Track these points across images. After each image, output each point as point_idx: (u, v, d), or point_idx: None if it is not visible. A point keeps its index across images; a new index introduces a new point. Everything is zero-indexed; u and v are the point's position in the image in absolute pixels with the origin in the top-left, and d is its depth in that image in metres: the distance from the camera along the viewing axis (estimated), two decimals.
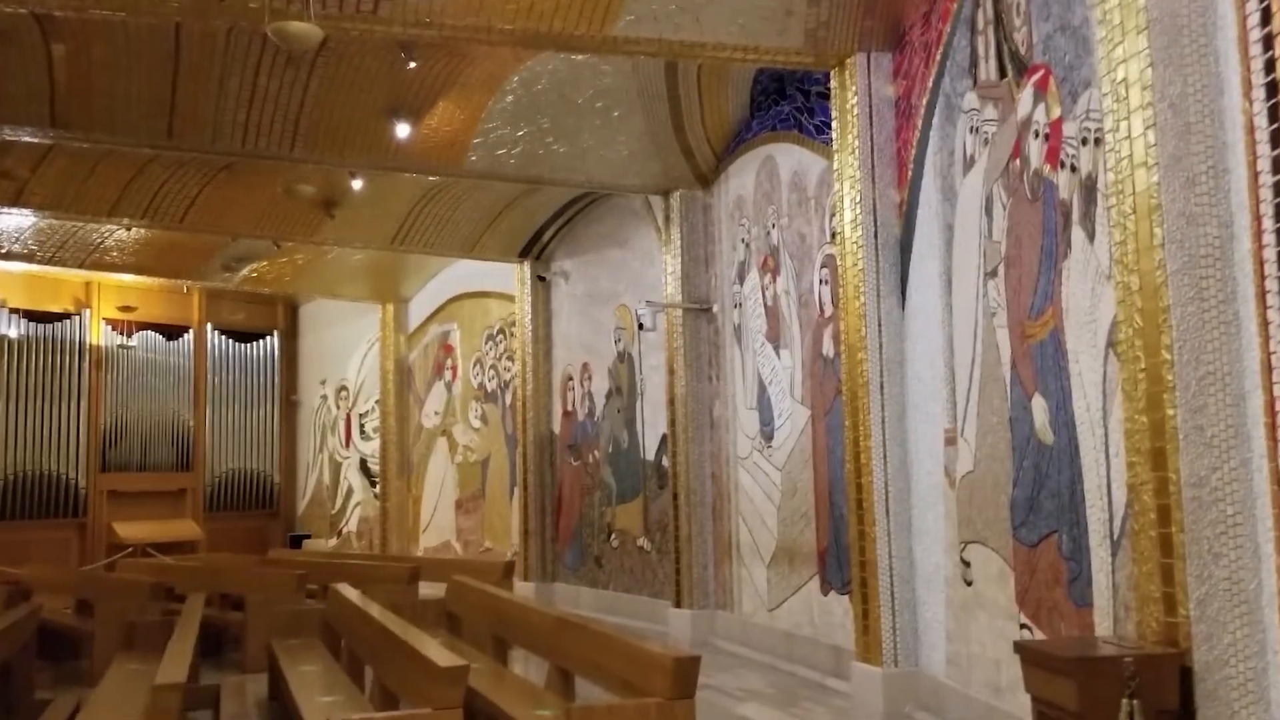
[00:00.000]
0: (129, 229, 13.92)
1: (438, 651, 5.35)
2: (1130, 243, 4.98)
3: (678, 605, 11.89)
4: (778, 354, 10.40)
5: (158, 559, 16.76)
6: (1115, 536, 5.57)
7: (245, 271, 16.51)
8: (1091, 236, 5.76)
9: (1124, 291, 5.05)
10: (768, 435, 10.55)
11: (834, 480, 9.28)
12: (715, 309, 11.87)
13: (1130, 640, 5.08)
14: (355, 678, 7.63)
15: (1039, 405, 6.31)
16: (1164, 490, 4.77)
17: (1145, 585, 4.90)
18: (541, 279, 15.39)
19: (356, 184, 12.12)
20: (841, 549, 9.10)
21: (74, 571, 13.03)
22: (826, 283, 9.55)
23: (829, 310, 9.48)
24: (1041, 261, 6.32)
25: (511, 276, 15.82)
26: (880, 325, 8.33)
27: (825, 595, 9.44)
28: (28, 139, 9.55)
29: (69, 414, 17.32)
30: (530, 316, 15.45)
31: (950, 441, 7.53)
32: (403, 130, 10.16)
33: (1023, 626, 6.52)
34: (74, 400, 17.39)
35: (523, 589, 15.04)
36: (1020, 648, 5.05)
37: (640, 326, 12.28)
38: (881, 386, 8.28)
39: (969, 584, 7.23)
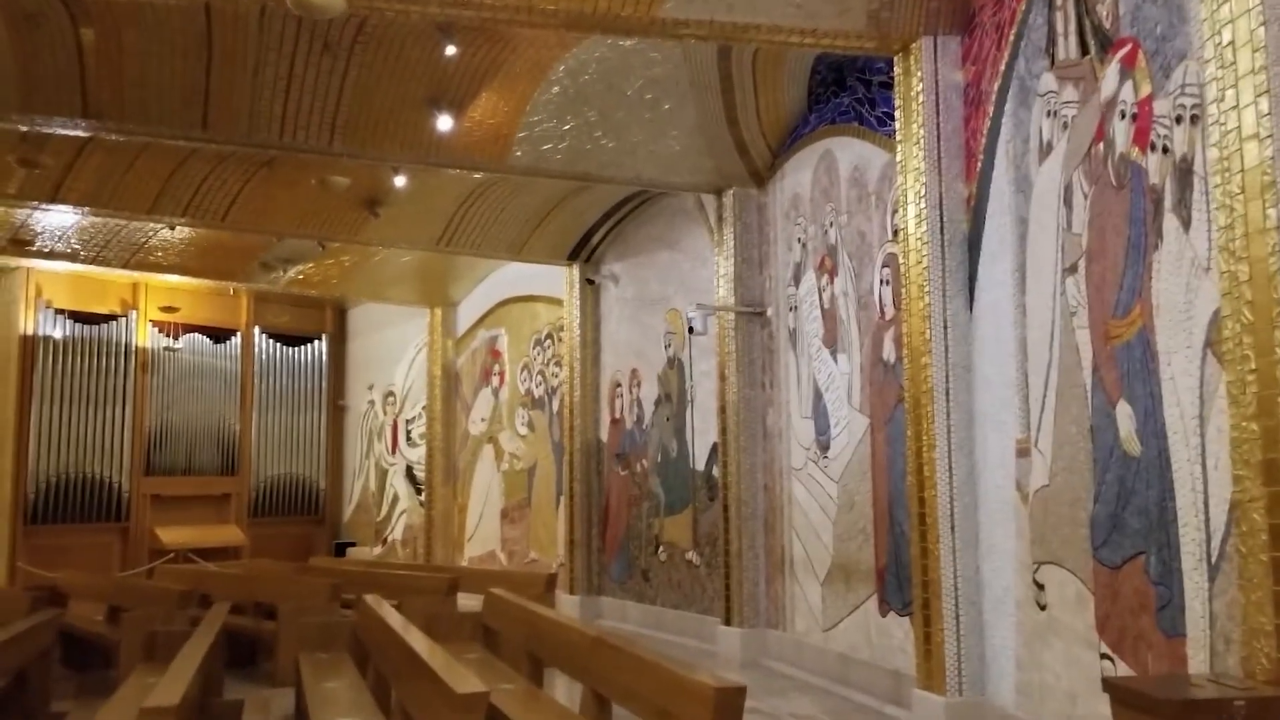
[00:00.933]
0: (173, 228, 13.69)
1: (457, 674, 4.88)
2: (1238, 227, 4.40)
3: (727, 623, 11.34)
4: (835, 359, 9.85)
5: (199, 565, 16.56)
6: (1213, 559, 4.97)
7: (291, 273, 16.25)
8: (1187, 224, 5.17)
9: (1230, 283, 4.47)
10: (824, 445, 9.99)
11: (894, 493, 8.70)
12: (769, 312, 11.33)
13: (1234, 679, 4.48)
14: (381, 697, 7.18)
15: (1124, 413, 5.72)
16: (1277, 508, 4.18)
17: (1254, 616, 4.31)
18: (590, 282, 14.95)
19: (399, 181, 11.75)
20: (902, 567, 8.52)
21: (106, 577, 12.77)
22: (888, 283, 8.98)
23: (890, 312, 8.92)
24: (1128, 255, 5.74)
25: (560, 280, 15.39)
26: (946, 327, 7.75)
27: (884, 616, 8.86)
28: (61, 130, 9.25)
29: (114, 417, 17.15)
30: (578, 321, 15.01)
31: (1023, 453, 6.94)
32: (444, 123, 9.75)
33: (1104, 656, 5.92)
34: (119, 403, 17.22)
35: (568, 603, 14.60)
36: (1111, 686, 4.47)
37: (690, 330, 11.76)
38: (947, 393, 7.70)
39: (1042, 608, 6.63)
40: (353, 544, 19.89)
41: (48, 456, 16.36)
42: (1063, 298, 6.40)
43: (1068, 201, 6.35)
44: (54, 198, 11.19)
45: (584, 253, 14.78)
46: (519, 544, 16.49)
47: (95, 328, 17.12)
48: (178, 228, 13.93)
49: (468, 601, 11.72)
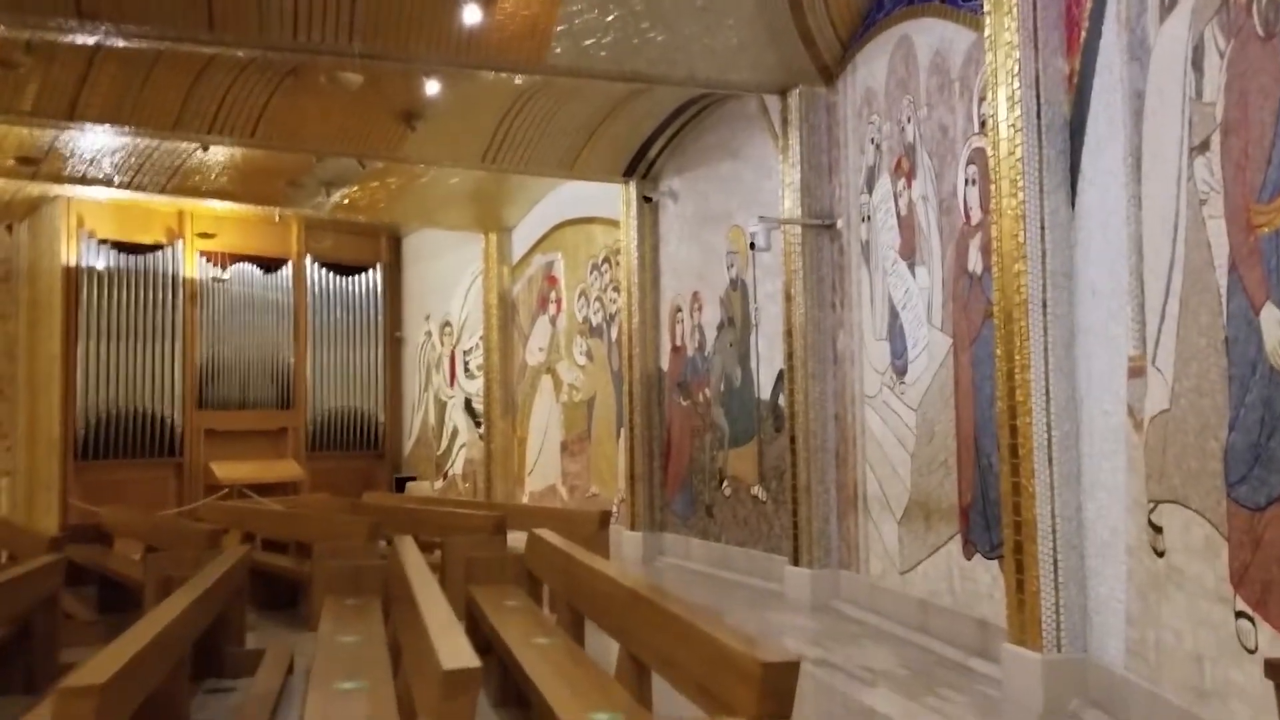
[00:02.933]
0: (205, 148, 12.96)
1: (453, 645, 4.04)
2: None
3: (795, 563, 10.46)
4: (913, 273, 8.79)
5: (253, 501, 16.10)
6: None
7: (336, 197, 15.49)
8: None
9: None
10: (900, 370, 8.97)
11: (981, 422, 7.68)
12: (839, 224, 10.27)
13: None
14: (398, 655, 6.43)
15: (1272, 319, 4.64)
16: None
17: None
18: (647, 200, 13.96)
19: (432, 89, 10.82)
20: (990, 505, 7.52)
21: (145, 515, 12.27)
22: (974, 182, 7.88)
23: (976, 216, 7.83)
24: (1278, 124, 4.62)
25: (616, 199, 14.42)
26: (1044, 228, 6.67)
27: (969, 559, 7.88)
28: (57, 35, 8.45)
29: (163, 350, 16.64)
30: (635, 243, 14.05)
31: (1136, 372, 5.87)
32: (473, 14, 8.78)
33: (1240, 615, 4.90)
34: (168, 336, 16.69)
35: (629, 540, 13.84)
36: (1274, 669, 3.48)
37: (752, 247, 10.74)
38: (1044, 305, 6.64)
39: (1160, 554, 5.61)
40: (413, 478, 19.35)
41: (96, 391, 15.92)
42: (1190, 183, 5.28)
43: (1197, 65, 5.21)
44: (71, 114, 10.47)
45: (640, 168, 13.77)
46: (580, 478, 15.75)
47: (140, 258, 16.57)
48: (212, 149, 13.22)
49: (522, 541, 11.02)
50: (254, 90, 10.84)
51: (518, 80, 11.06)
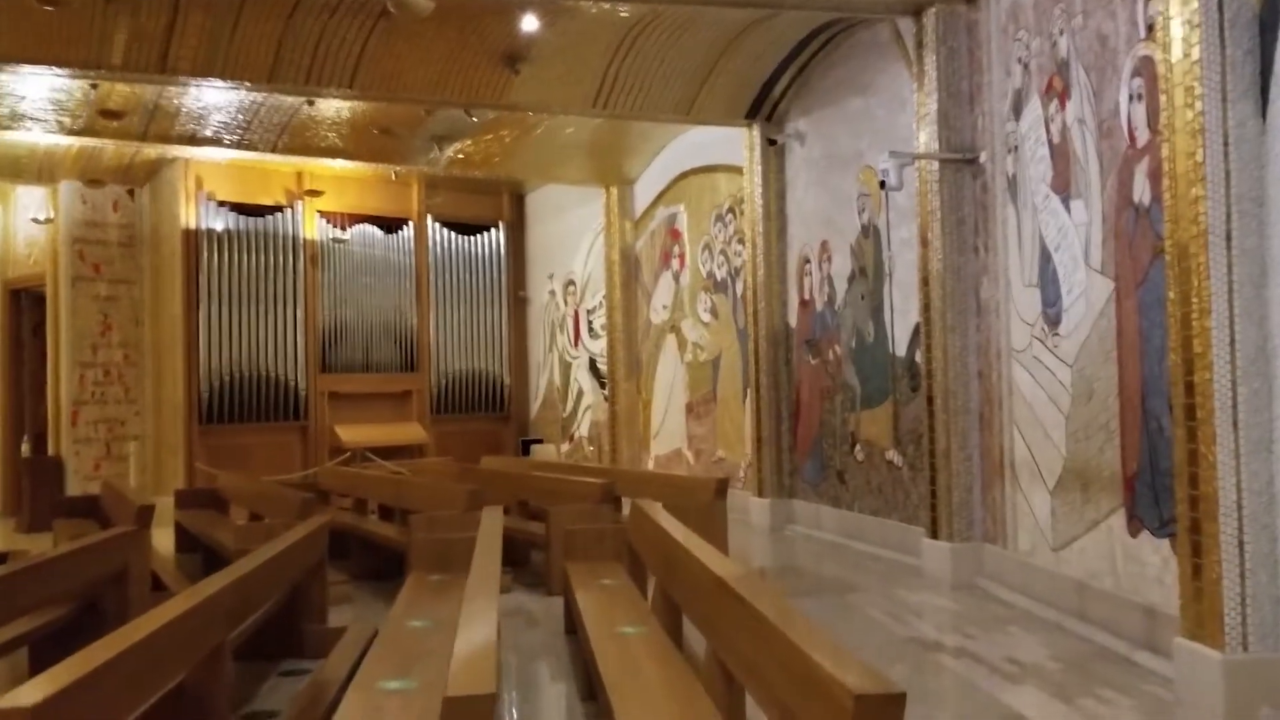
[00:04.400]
0: (311, 102, 12.54)
1: (471, 659, 3.30)
2: None
3: (934, 536, 9.47)
4: (1067, 208, 7.66)
5: (373, 465, 15.83)
6: None
7: (449, 152, 14.94)
8: None
9: None
10: (1053, 320, 7.87)
11: (1149, 378, 6.58)
12: (982, 158, 9.16)
13: None
14: None
15: None
16: None
17: None
18: (772, 143, 12.97)
19: (530, 23, 10.07)
20: (1160, 476, 6.44)
21: (253, 480, 11.99)
22: (1139, 98, 6.72)
23: (1143, 137, 6.67)
24: None
25: (740, 145, 13.48)
26: (1227, 145, 5.54)
27: (1134, 537, 6.80)
28: None
29: (285, 313, 16.41)
30: (760, 190, 13.09)
31: None
32: None
33: None
34: (289, 298, 16.46)
35: (756, 507, 13.01)
36: None
37: (882, 186, 9.71)
38: (1228, 236, 5.52)
39: None
40: (539, 441, 18.86)
41: (219, 355, 15.80)
42: None
43: None
44: (163, 68, 10.07)
45: (764, 109, 12.79)
46: (705, 442, 14.96)
47: (260, 220, 16.34)
48: (319, 104, 12.80)
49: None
50: (347, 36, 10.27)
51: (624, 13, 10.23)
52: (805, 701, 3.03)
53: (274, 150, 14.13)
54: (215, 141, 13.67)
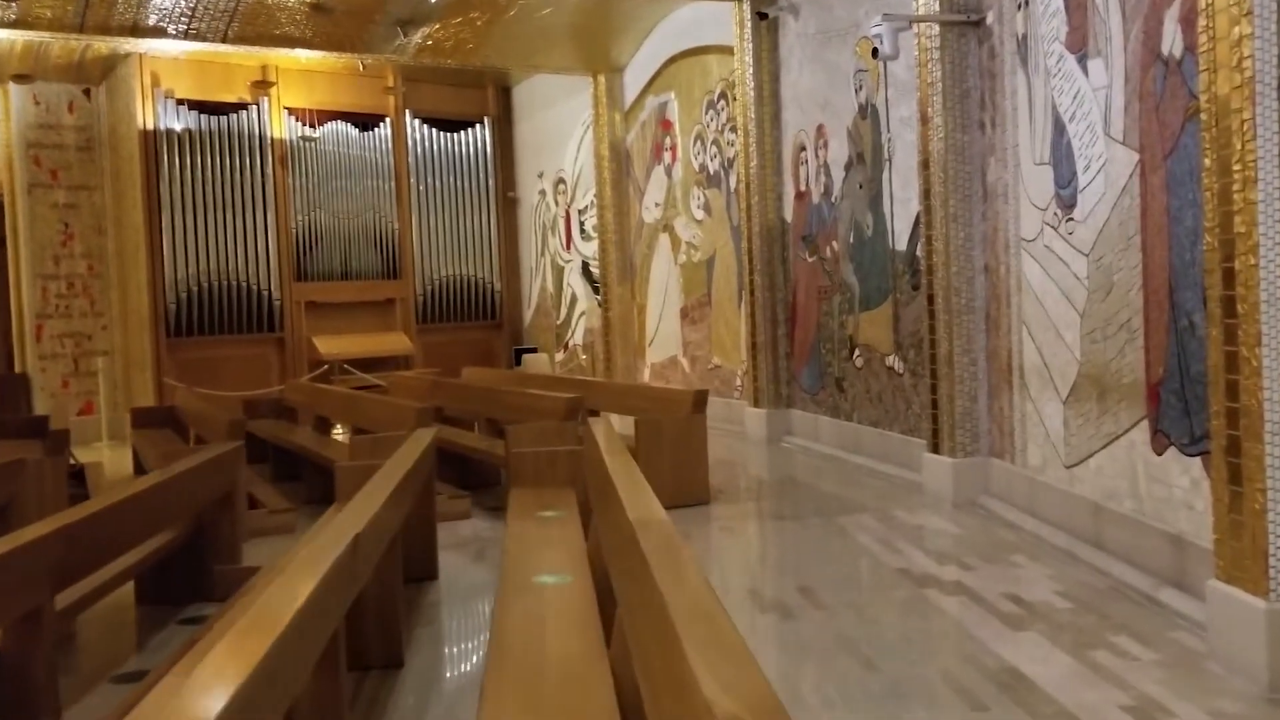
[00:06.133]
0: None
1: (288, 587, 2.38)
2: None
3: (935, 450, 8.51)
4: (1084, 69, 6.51)
5: (352, 377, 14.99)
6: None
7: (417, 39, 13.75)
8: None
9: None
10: (1067, 202, 6.78)
11: (1179, 267, 5.51)
12: (989, 19, 7.97)
13: None
14: None
15: None
16: None
17: None
18: (763, 16, 11.74)
19: None
20: (1191, 383, 5.41)
21: (200, 397, 11.17)
22: None
23: None
24: None
25: (731, 22, 12.25)
26: None
27: (1159, 454, 5.80)
28: None
29: (254, 218, 15.40)
30: (752, 71, 11.90)
31: None
32: None
33: None
34: (258, 202, 15.45)
35: (753, 418, 12.10)
36: None
37: (875, 54, 8.53)
38: None
39: None
40: (533, 350, 17.94)
41: (185, 264, 14.86)
42: None
43: None
44: None
45: None
46: (701, 348, 13.98)
47: (223, 119, 15.25)
48: None
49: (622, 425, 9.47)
50: None
51: None
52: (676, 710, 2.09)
53: (224, 40, 13.00)
54: (159, 32, 12.54)
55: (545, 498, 6.58)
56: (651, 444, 8.55)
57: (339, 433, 11.27)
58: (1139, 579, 5.79)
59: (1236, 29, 4.48)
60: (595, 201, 16.12)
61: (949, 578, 6.28)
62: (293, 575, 3.36)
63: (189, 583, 6.38)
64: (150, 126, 14.65)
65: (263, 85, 15.25)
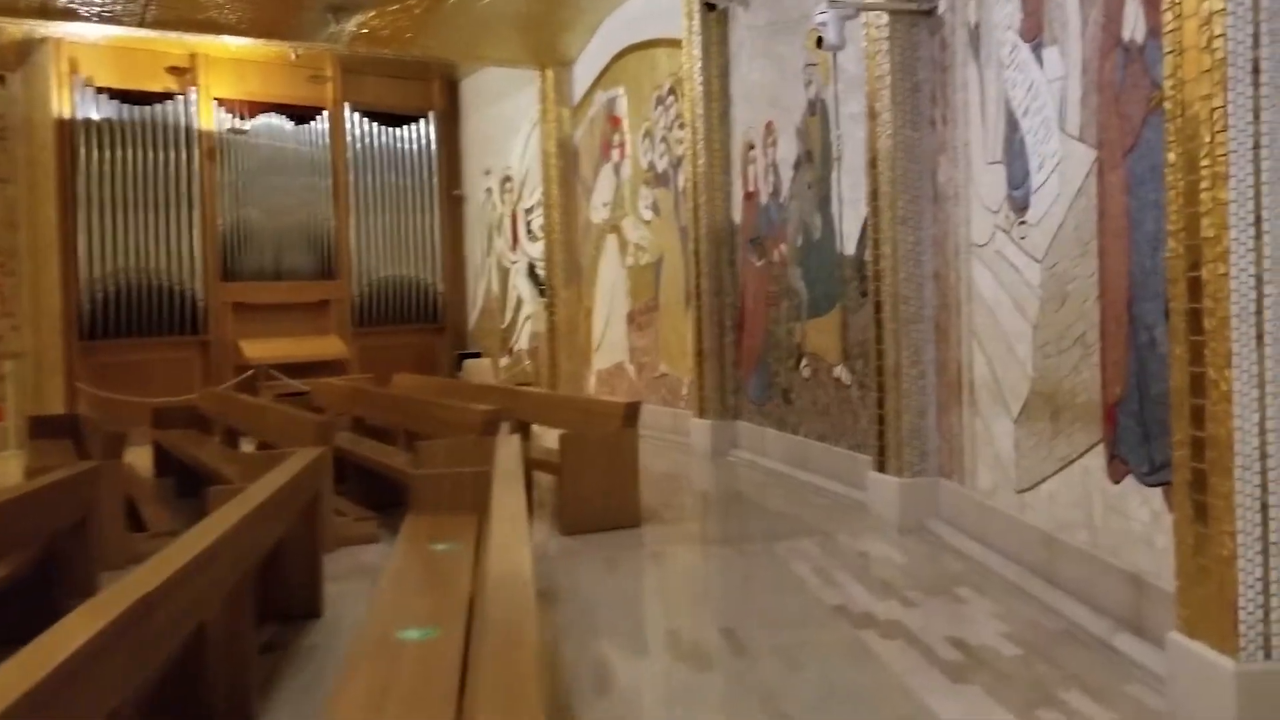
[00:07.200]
0: None
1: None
2: None
3: (880, 468, 7.93)
4: (1039, 59, 5.95)
5: (281, 382, 14.28)
6: None
7: (351, 26, 13.08)
8: None
9: None
10: (1019, 204, 6.21)
11: (1138, 276, 4.94)
12: (941, 7, 7.42)
13: None
14: None
15: None
16: None
17: None
18: (711, 7, 11.16)
19: None
20: (1152, 404, 4.85)
21: (100, 404, 10.46)
22: None
23: None
24: None
25: (679, 13, 11.66)
26: None
27: (1117, 483, 5.23)
28: None
29: (179, 215, 14.66)
30: (700, 65, 11.32)
31: None
32: None
33: None
34: (184, 198, 14.70)
35: (698, 430, 11.50)
36: None
37: (820, 44, 7.96)
38: (1255, 69, 3.85)
39: None
40: (477, 355, 17.26)
41: (102, 262, 14.11)
42: None
43: None
44: None
45: None
46: (648, 355, 13.37)
47: (147, 109, 14.50)
48: None
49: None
50: None
51: None
52: None
53: (143, 24, 12.30)
54: (70, 14, 11.81)
55: (444, 527, 5.93)
56: (577, 462, 7.93)
57: (248, 446, 10.57)
58: (1093, 621, 5.22)
59: (1206, 4, 3.92)
60: (542, 200, 15.49)
61: (888, 616, 5.69)
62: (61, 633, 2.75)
63: (32, 622, 5.67)
64: (67, 115, 13.88)
65: (180, 72, 14.48)
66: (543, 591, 6.51)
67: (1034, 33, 5.99)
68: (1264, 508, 3.82)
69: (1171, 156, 4.16)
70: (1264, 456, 3.82)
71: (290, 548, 6.27)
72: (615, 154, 14.03)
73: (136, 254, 14.31)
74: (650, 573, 7.29)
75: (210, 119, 14.94)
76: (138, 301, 14.33)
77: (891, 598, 6.03)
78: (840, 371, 9.18)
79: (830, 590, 6.25)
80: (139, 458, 10.69)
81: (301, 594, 6.20)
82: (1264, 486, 3.81)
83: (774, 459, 10.37)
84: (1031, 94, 6.04)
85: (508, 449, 6.03)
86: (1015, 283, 6.27)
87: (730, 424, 11.32)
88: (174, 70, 14.47)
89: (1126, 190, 5.02)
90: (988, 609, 5.75)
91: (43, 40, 13.65)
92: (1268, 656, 3.81)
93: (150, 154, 14.45)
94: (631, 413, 8.20)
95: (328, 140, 16.06)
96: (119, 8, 11.83)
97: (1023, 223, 6.14)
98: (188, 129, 14.73)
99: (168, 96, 14.61)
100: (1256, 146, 3.81)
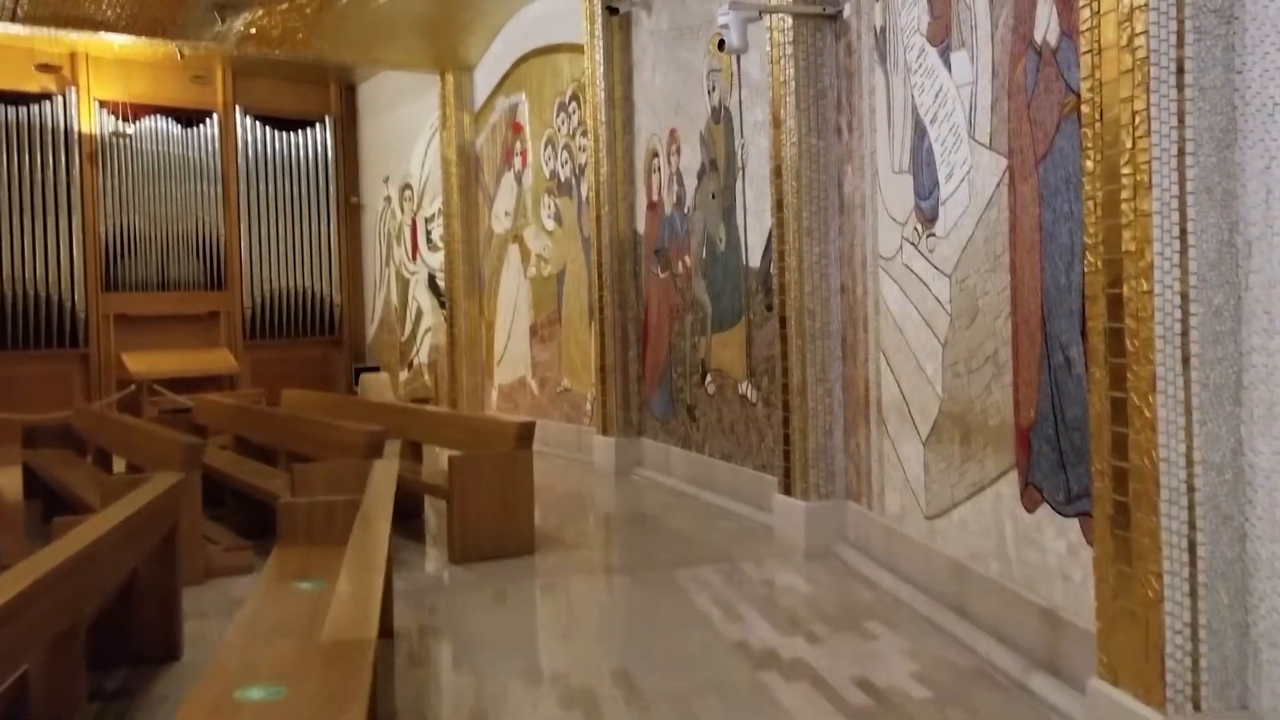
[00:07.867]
0: None
1: None
2: None
3: (786, 490, 7.58)
4: (947, 64, 5.66)
5: (165, 398, 13.53)
6: None
7: (239, 25, 12.44)
8: None
9: None
10: (928, 215, 5.91)
11: (1052, 292, 4.65)
12: (846, 11, 7.12)
13: None
14: None
15: None
16: None
17: None
18: (613, 11, 10.78)
19: None
20: (1068, 430, 4.55)
21: None
22: None
23: None
24: None
25: (581, 17, 11.27)
26: None
27: (1031, 511, 4.93)
28: None
29: (56, 221, 13.86)
30: (603, 71, 10.93)
31: None
32: None
33: None
34: (62, 204, 13.90)
35: (601, 448, 11.08)
36: None
37: (721, 47, 7.61)
38: (1179, 69, 3.55)
39: None
40: (375, 368, 16.64)
41: None
42: None
43: None
44: None
45: None
46: (551, 369, 12.91)
47: (21, 109, 13.68)
48: None
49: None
50: None
51: None
52: None
53: (13, 19, 11.50)
54: None
55: (313, 561, 5.44)
56: (467, 485, 7.46)
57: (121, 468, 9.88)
58: (1008, 659, 4.91)
59: (1130, 4, 3.61)
60: (443, 209, 14.95)
61: (793, 654, 5.32)
62: None
63: None
64: None
65: (52, 69, 13.66)
66: (423, 628, 6.04)
67: (941, 36, 5.70)
68: (1191, 546, 3.51)
69: (1089, 164, 3.86)
70: (1191, 490, 3.51)
71: (144, 583, 5.72)
72: (517, 162, 13.57)
73: (10, 263, 13.50)
74: (543, 606, 6.83)
75: (92, 121, 14.14)
76: (12, 313, 13.52)
77: (797, 633, 5.67)
78: (745, 388, 8.84)
79: (733, 625, 5.87)
80: (7, 478, 9.97)
81: (156, 635, 5.64)
82: (1191, 523, 3.51)
83: (678, 478, 9.99)
84: (940, 100, 5.75)
85: (383, 475, 5.54)
86: (923, 297, 5.96)
87: (634, 441, 10.92)
88: (45, 68, 13.64)
89: (1039, 201, 4.72)
90: (897, 645, 5.41)
91: None
92: (1196, 709, 3.50)
93: (25, 157, 13.64)
94: (526, 433, 7.75)
95: (217, 144, 15.36)
96: None
97: (931, 235, 5.84)
98: (66, 131, 13.93)
99: (45, 97, 13.78)
100: (1181, 153, 3.51)
